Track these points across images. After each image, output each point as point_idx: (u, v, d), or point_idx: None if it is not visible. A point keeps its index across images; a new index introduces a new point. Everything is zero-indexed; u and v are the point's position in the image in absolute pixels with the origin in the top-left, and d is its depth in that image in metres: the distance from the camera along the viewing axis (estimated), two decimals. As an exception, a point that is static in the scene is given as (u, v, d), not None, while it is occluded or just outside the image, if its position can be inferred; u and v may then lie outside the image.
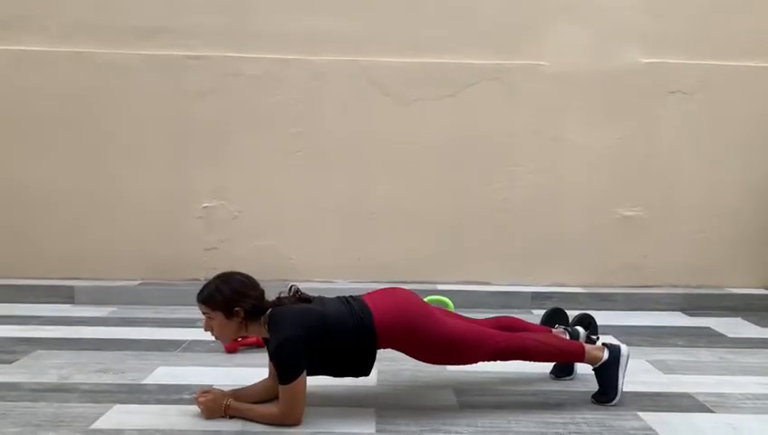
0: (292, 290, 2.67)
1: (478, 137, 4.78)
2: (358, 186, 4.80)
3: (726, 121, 4.83)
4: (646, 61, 4.79)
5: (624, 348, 2.78)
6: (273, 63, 4.72)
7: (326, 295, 2.73)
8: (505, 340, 2.69)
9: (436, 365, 2.90)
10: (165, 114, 4.73)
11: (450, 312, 2.94)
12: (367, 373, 2.64)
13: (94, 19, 4.68)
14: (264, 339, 2.63)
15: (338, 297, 2.69)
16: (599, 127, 4.82)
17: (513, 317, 3.15)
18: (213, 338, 2.61)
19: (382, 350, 2.62)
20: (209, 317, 2.54)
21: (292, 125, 4.76)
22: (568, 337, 3.04)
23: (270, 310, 2.55)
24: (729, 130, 4.84)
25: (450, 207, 4.81)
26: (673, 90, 4.80)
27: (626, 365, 2.76)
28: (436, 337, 2.60)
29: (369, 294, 2.73)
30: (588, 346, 2.80)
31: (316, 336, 2.47)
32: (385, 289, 2.78)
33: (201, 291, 2.55)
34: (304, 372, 2.46)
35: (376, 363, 2.62)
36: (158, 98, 4.72)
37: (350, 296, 2.69)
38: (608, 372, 2.75)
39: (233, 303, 2.51)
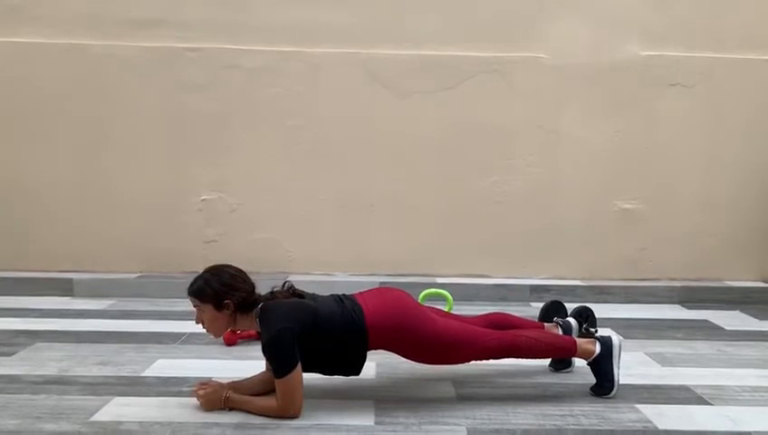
0: (286, 285, 2.67)
1: (477, 129, 4.77)
2: (356, 178, 4.80)
3: (726, 114, 4.83)
4: (645, 53, 4.78)
5: (616, 339, 2.78)
6: (271, 56, 4.70)
7: (325, 289, 2.72)
8: (497, 339, 2.70)
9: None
10: (163, 107, 4.72)
11: (442, 311, 2.92)
12: (357, 373, 2.64)
13: (91, 11, 4.66)
14: (259, 333, 2.63)
15: (331, 295, 2.69)
16: (598, 120, 4.81)
17: (505, 314, 3.15)
18: (205, 331, 2.62)
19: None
20: (200, 310, 2.56)
21: (291, 118, 4.75)
22: (560, 331, 3.05)
23: (261, 304, 2.56)
24: (729, 122, 4.83)
25: (449, 200, 4.81)
26: (673, 83, 4.79)
27: (619, 356, 2.76)
28: (427, 337, 2.60)
29: (361, 293, 2.73)
30: (580, 341, 2.80)
31: (307, 331, 2.47)
32: (378, 288, 2.79)
33: (191, 284, 2.57)
34: (299, 365, 2.46)
35: (375, 356, 2.62)
36: (156, 90, 4.71)
37: (343, 295, 2.70)
38: (602, 366, 2.76)
39: (222, 295, 2.52)
